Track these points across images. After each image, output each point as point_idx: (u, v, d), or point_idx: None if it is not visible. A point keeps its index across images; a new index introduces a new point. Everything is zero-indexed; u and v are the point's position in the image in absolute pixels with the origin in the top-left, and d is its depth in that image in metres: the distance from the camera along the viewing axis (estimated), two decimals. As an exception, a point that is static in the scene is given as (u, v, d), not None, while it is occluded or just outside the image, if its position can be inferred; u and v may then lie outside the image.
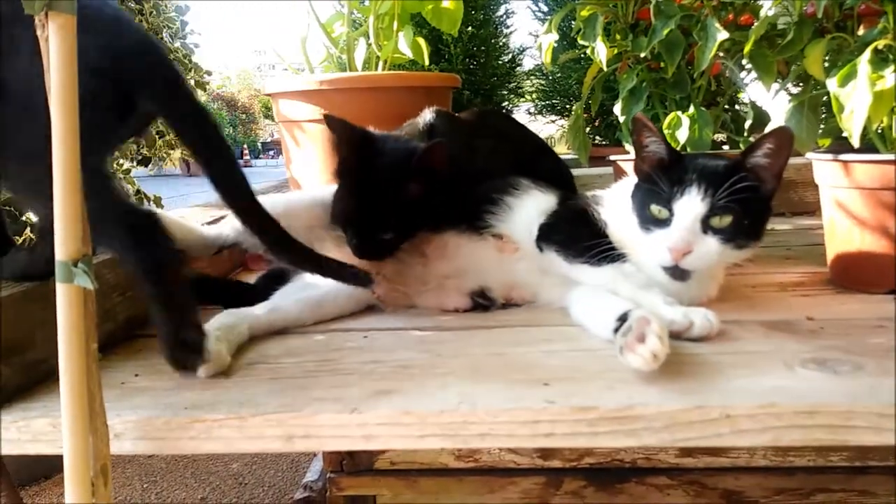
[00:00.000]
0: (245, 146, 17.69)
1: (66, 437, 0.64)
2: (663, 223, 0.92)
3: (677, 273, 0.92)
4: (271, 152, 18.90)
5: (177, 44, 2.02)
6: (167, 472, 2.28)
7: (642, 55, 1.24)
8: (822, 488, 1.24)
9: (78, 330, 0.64)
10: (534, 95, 3.79)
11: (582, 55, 1.47)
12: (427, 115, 1.21)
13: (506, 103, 3.75)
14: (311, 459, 1.86)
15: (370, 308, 1.12)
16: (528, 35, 3.94)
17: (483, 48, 3.43)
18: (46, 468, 2.18)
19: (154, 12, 2.45)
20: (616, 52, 1.34)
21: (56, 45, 0.62)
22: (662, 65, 1.29)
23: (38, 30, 0.62)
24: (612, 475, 1.28)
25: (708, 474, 1.27)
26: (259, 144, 18.69)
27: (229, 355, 0.88)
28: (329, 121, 1.11)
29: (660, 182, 0.93)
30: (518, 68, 3.90)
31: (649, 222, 0.94)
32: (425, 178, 1.05)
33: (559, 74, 3.40)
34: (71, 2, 0.62)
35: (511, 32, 3.74)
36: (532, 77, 3.83)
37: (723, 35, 1.14)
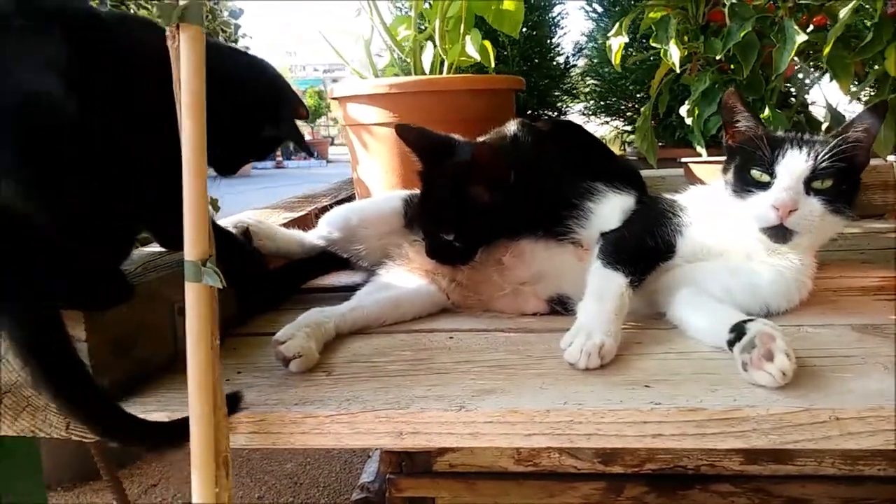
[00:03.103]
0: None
1: (193, 429, 0.67)
2: (764, 186, 0.94)
3: (780, 233, 0.92)
4: (303, 154, 19.03)
5: (230, 46, 2.06)
6: (223, 469, 2.31)
7: (717, 57, 1.24)
8: (892, 499, 1.21)
9: (205, 326, 0.66)
10: (588, 96, 3.78)
11: (651, 57, 1.47)
12: (511, 126, 1.23)
13: (560, 105, 3.76)
14: (365, 461, 1.88)
15: (445, 310, 1.13)
16: (581, 35, 3.94)
17: (538, 49, 3.44)
18: (89, 471, 2.18)
19: (210, 17, 2.51)
20: (686, 53, 1.34)
21: (186, 55, 0.64)
22: (734, 67, 1.29)
23: (168, 40, 0.65)
24: (675, 481, 1.25)
25: (774, 482, 1.23)
26: (291, 146, 18.82)
27: (318, 352, 0.90)
28: (399, 130, 1.14)
29: (761, 147, 0.94)
30: (573, 69, 3.91)
31: (749, 185, 0.95)
32: (486, 182, 1.06)
33: (615, 75, 3.39)
34: (201, 14, 0.64)
35: (565, 34, 3.75)
36: (587, 77, 3.82)
37: (801, 37, 1.13)
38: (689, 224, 0.99)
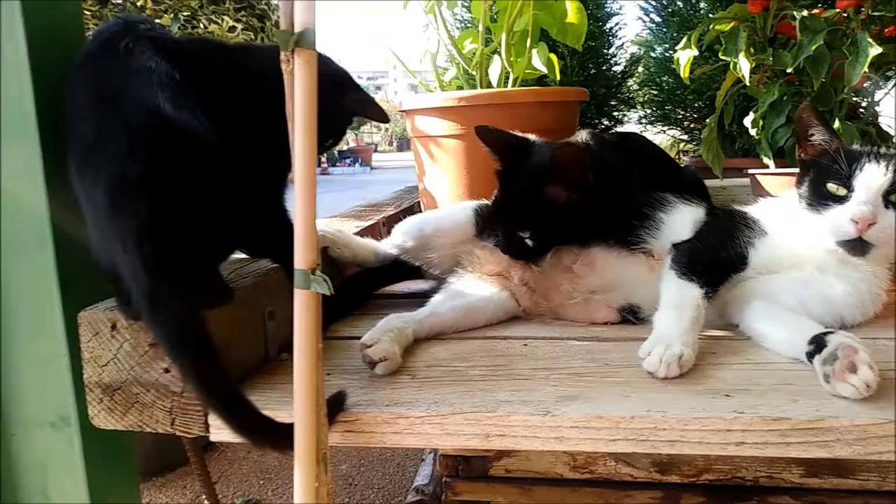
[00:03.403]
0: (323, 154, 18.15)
1: (297, 428, 0.72)
2: (840, 199, 0.95)
3: (858, 246, 0.93)
4: (348, 160, 19.31)
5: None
6: (280, 469, 2.37)
7: (788, 70, 1.25)
8: (959, 517, 1.19)
9: (311, 331, 0.71)
10: (646, 106, 3.78)
11: (713, 69, 1.48)
12: (582, 134, 1.27)
13: (616, 114, 3.77)
14: (419, 464, 1.91)
15: (516, 318, 1.16)
16: (632, 44, 3.94)
17: (595, 60, 3.46)
18: (150, 468, 2.24)
19: (276, 29, 2.60)
20: (754, 65, 1.35)
21: (300, 77, 0.69)
22: (801, 79, 1.29)
23: (283, 64, 0.70)
24: (733, 493, 1.24)
25: (835, 496, 1.22)
26: (336, 152, 19.13)
27: (400, 356, 0.95)
28: (479, 131, 1.18)
29: (837, 161, 0.95)
30: (630, 79, 3.93)
31: (825, 199, 0.96)
32: (565, 181, 1.08)
33: (673, 85, 3.38)
34: (314, 40, 0.69)
35: (622, 44, 3.78)
36: (645, 87, 3.82)
37: (875, 50, 1.13)
38: (762, 236, 1.01)
